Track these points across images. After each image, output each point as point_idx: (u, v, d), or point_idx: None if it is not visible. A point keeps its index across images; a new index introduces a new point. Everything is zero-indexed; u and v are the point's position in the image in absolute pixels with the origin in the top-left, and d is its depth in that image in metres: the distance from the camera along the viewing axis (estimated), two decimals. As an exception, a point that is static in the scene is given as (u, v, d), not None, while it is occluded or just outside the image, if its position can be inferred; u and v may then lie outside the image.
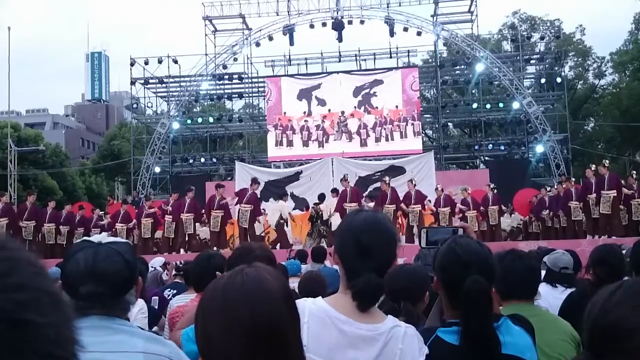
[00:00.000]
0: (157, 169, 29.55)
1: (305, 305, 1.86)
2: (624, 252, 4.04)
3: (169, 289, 6.51)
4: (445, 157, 29.89)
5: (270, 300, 1.28)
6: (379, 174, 19.59)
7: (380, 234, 1.95)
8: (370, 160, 24.25)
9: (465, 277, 1.97)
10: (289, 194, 19.30)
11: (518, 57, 29.62)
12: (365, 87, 27.64)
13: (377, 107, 27.30)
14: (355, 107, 27.51)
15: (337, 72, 28.55)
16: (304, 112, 27.72)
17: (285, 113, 27.87)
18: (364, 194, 18.82)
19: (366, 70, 28.79)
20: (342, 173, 19.42)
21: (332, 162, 20.89)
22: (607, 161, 16.29)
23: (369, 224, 1.97)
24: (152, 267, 8.22)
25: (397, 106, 27.28)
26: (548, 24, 41.65)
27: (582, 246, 11.02)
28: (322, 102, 27.67)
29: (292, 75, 29.11)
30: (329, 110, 27.59)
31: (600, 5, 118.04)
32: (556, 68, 30.19)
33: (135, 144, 32.93)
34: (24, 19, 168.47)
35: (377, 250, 1.91)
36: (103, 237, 1.93)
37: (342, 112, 27.46)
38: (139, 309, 4.40)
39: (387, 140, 27.20)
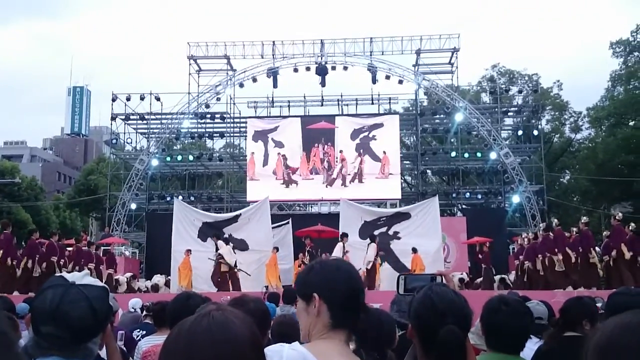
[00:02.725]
0: (133, 206, 29.23)
1: (283, 350, 1.84)
2: (599, 304, 4.05)
3: (138, 330, 6.37)
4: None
5: (236, 345, 1.23)
6: (384, 219, 19.52)
7: (358, 282, 2.02)
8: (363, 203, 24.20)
9: (441, 326, 1.95)
10: (228, 235, 19.13)
11: (496, 109, 30.19)
12: (364, 129, 27.91)
13: (375, 151, 27.64)
14: (342, 149, 27.73)
15: (337, 115, 29.04)
16: (263, 154, 28.06)
17: (253, 153, 28.07)
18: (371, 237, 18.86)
19: (358, 114, 29.13)
20: (350, 216, 19.32)
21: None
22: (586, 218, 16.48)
23: (347, 271, 2.01)
24: (132, 308, 8.08)
25: (384, 152, 27.60)
26: (526, 78, 42.68)
27: (556, 297, 11.04)
28: (279, 144, 27.92)
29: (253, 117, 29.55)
30: (283, 155, 27.82)
31: (577, 62, 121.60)
32: (533, 121, 30.82)
33: (112, 180, 32.65)
34: (6, 50, 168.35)
35: (360, 297, 1.97)
36: (79, 277, 1.85)
37: (326, 154, 27.64)
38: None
39: (361, 182, 27.38)
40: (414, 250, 17.93)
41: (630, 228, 15.08)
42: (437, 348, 1.95)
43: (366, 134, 27.86)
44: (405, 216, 19.43)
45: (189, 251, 18.34)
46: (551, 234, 16.13)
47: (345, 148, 27.68)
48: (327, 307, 1.96)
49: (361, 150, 27.67)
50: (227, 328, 1.25)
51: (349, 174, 27.56)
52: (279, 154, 27.93)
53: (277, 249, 18.79)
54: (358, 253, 17.63)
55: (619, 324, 1.17)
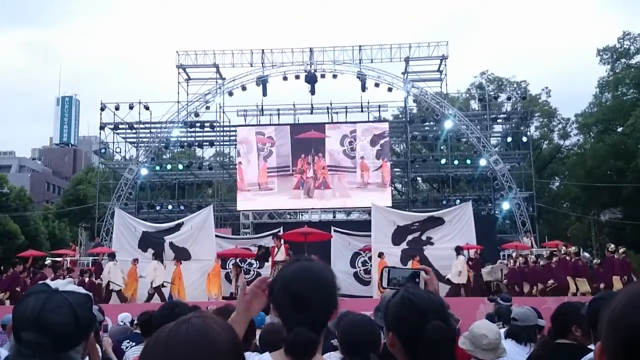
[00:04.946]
0: (123, 215, 29.03)
1: None
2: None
3: (128, 340, 6.34)
4: (414, 210, 30.07)
5: (215, 351, 1.20)
6: (417, 224, 19.46)
7: (314, 285, 1.89)
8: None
9: (424, 325, 1.88)
10: (169, 243, 19.00)
11: (485, 116, 30.30)
12: (385, 135, 28.04)
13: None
14: (363, 156, 27.83)
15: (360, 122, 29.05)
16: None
17: (240, 163, 28.21)
18: (403, 243, 18.74)
19: (348, 122, 29.14)
20: (381, 221, 19.19)
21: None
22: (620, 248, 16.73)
23: (301, 275, 1.91)
24: (121, 322, 8.05)
25: (384, 158, 27.76)
26: (515, 85, 42.95)
27: (547, 304, 11.07)
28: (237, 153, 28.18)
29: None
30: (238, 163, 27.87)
31: (565, 69, 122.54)
32: (522, 128, 30.96)
33: (101, 189, 32.47)
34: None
35: (311, 301, 1.85)
36: (62, 284, 1.81)
37: (309, 164, 27.61)
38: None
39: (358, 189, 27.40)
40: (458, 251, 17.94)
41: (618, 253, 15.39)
42: (425, 347, 1.86)
43: (387, 139, 28.01)
44: (439, 221, 19.31)
45: (135, 260, 18.30)
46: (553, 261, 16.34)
47: (365, 155, 27.67)
48: (277, 313, 1.94)
49: (383, 158, 27.76)
50: (205, 334, 1.22)
51: (370, 182, 27.50)
52: (239, 162, 28.16)
53: (220, 258, 18.61)
54: (391, 258, 17.72)
55: (634, 296, 1.12)
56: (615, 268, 14.76)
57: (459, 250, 17.61)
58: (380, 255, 17.88)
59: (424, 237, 19.04)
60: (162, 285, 17.65)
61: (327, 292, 1.91)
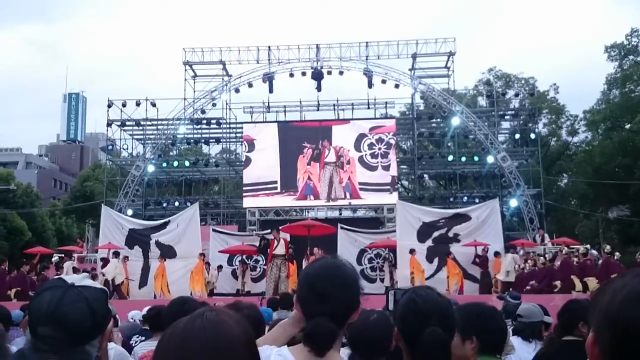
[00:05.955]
0: (130, 212, 29.11)
1: (271, 355, 1.86)
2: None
3: (137, 336, 6.36)
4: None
5: (230, 345, 1.21)
6: (443, 220, 19.27)
7: (337, 280, 1.94)
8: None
9: (425, 328, 1.95)
10: (155, 241, 19.03)
11: (493, 113, 30.20)
12: (391, 132, 28.23)
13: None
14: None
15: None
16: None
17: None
18: (429, 240, 18.73)
19: (355, 118, 29.12)
20: (407, 218, 19.05)
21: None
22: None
23: (325, 271, 1.97)
24: (131, 318, 8.09)
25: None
26: (523, 82, 42.71)
27: (555, 301, 11.01)
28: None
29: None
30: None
31: (574, 65, 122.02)
32: (530, 124, 30.82)
33: (108, 186, 32.57)
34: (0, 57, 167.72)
35: (332, 296, 1.90)
36: (78, 279, 1.81)
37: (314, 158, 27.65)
38: (118, 354, 4.20)
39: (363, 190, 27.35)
40: (497, 254, 17.94)
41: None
42: (420, 350, 1.95)
43: (394, 136, 28.14)
44: (465, 218, 19.11)
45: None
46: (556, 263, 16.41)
47: (372, 152, 27.78)
48: (300, 307, 1.97)
49: (390, 155, 27.82)
50: (220, 328, 1.23)
51: (376, 179, 27.50)
52: (246, 159, 28.29)
53: (203, 255, 18.58)
54: (417, 256, 17.76)
55: (632, 291, 1.10)
56: (612, 268, 14.79)
57: (507, 248, 17.65)
58: (412, 251, 17.90)
59: (450, 234, 18.88)
60: (121, 283, 17.82)
61: (350, 289, 1.96)
